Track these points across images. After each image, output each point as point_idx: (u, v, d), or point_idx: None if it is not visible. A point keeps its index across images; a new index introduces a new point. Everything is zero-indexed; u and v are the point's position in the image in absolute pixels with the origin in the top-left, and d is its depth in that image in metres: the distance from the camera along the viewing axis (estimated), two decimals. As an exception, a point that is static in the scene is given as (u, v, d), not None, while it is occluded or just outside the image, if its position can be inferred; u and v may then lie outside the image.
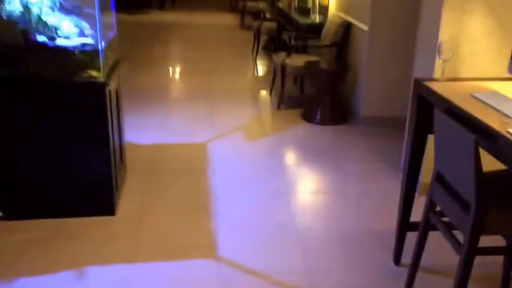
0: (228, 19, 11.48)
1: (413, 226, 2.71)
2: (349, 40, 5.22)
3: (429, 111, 2.45)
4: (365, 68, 4.77)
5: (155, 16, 11.83)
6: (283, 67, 5.24)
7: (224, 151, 4.37)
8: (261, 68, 7.35)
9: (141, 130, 4.76)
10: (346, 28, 5.17)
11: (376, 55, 4.70)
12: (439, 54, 2.64)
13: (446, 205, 2.25)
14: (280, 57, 5.41)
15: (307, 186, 3.83)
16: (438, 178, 2.31)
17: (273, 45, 7.80)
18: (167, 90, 6.12)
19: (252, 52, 7.91)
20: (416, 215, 2.76)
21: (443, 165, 2.28)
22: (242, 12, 10.24)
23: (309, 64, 5.11)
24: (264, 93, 5.98)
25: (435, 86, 2.52)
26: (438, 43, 2.86)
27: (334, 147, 4.47)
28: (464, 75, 3.24)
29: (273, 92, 5.88)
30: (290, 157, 4.33)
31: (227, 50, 8.34)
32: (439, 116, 2.24)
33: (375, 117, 4.86)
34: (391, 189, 3.71)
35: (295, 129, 4.86)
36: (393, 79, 4.75)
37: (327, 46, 5.29)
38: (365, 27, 4.74)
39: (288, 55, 5.25)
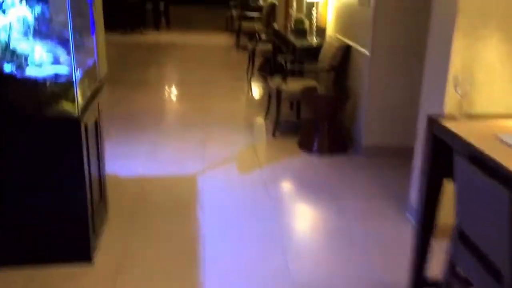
0: (224, 39, 11.18)
1: (430, 284, 2.33)
2: (348, 64, 4.87)
3: (446, 152, 2.08)
4: (366, 94, 4.41)
5: (150, 37, 11.54)
6: (279, 92, 4.88)
7: (215, 185, 3.98)
8: (256, 91, 7.00)
9: (129, 160, 4.39)
10: (345, 52, 4.82)
11: (377, 81, 4.35)
12: (456, 88, 2.28)
13: (471, 270, 1.87)
14: (275, 81, 5.06)
15: (305, 227, 3.44)
16: (461, 236, 1.94)
17: (268, 67, 7.46)
18: (159, 115, 5.75)
19: (247, 74, 7.57)
20: (432, 265, 2.38)
21: (466, 223, 1.90)
22: (238, 33, 9.93)
23: (305, 90, 4.75)
24: (259, 118, 5.62)
25: (454, 126, 2.16)
26: (454, 75, 2.50)
27: (334, 181, 4.09)
28: (480, 106, 2.88)
29: (268, 117, 5.52)
30: (286, 193, 3.95)
31: (222, 72, 8.00)
32: (461, 164, 1.87)
33: (378, 147, 4.49)
34: (400, 230, 3.32)
35: (291, 159, 4.49)
36: (397, 106, 4.40)
37: (325, 70, 4.94)
38: (366, 51, 4.39)
39: (284, 79, 4.90)
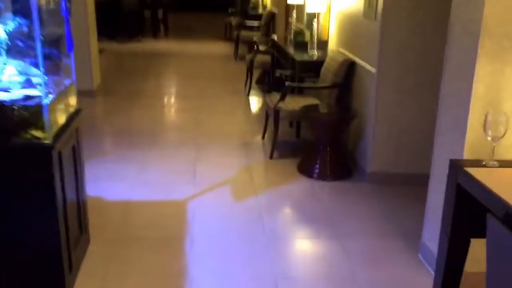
0: (222, 48, 10.76)
1: None
2: (352, 81, 4.44)
3: (473, 205, 1.66)
4: (372, 115, 3.99)
5: (148, 45, 11.14)
6: (276, 112, 4.45)
7: (206, 214, 3.56)
8: (254, 106, 6.58)
9: (116, 182, 4.01)
10: (349, 68, 4.40)
11: (385, 101, 3.92)
12: (486, 130, 1.86)
13: None
14: (273, 99, 4.64)
15: (303, 272, 3.00)
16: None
17: (267, 80, 7.05)
18: (151, 131, 5.31)
19: (245, 87, 7.15)
20: None
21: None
22: (236, 42, 9.51)
23: (306, 109, 4.33)
24: (256, 137, 5.19)
25: (484, 177, 1.73)
26: (485, 114, 2.06)
27: (337, 213, 3.66)
28: (509, 142, 2.45)
29: (266, 136, 5.09)
30: (283, 226, 3.51)
31: (219, 84, 7.58)
32: (493, 225, 1.45)
33: (385, 173, 4.06)
34: (411, 275, 2.89)
35: (290, 185, 4.06)
36: (406, 129, 3.97)
37: (327, 87, 4.52)
38: (372, 69, 3.97)
39: (283, 97, 4.47)
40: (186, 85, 7.62)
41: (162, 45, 11.23)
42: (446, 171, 2.18)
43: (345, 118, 4.21)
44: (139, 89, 7.04)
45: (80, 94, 6.44)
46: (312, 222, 3.53)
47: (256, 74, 7.27)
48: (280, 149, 4.76)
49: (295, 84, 4.63)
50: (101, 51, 9.62)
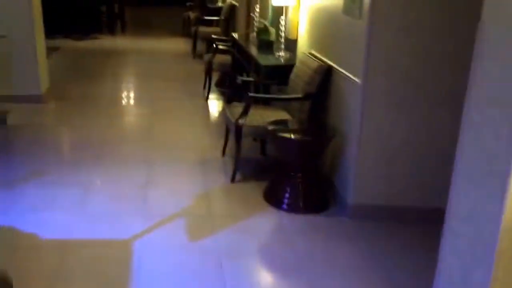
0: (180, 45, 9.72)
1: None
2: (330, 92, 3.56)
3: None
4: (355, 134, 3.12)
5: (105, 42, 9.96)
6: (239, 127, 3.53)
7: (155, 258, 2.74)
8: (213, 112, 5.63)
9: (53, 212, 3.18)
10: (325, 76, 3.51)
11: (372, 117, 3.06)
12: None
13: None
14: (234, 111, 3.71)
15: None
16: None
17: (227, 83, 6.11)
18: (98, 144, 4.31)
19: (204, 89, 6.18)
20: None
21: None
22: (194, 39, 8.50)
23: (272, 126, 3.42)
24: (215, 153, 4.25)
25: None
26: None
27: (311, 259, 2.79)
28: None
29: (226, 152, 4.17)
30: (247, 278, 2.62)
31: (177, 85, 6.57)
32: None
33: (371, 207, 3.20)
34: None
35: (255, 219, 3.17)
36: (398, 152, 3.12)
37: (298, 99, 3.62)
38: (355, 78, 3.10)
39: (245, 111, 3.54)
40: (142, 87, 6.60)
41: (119, 42, 10.09)
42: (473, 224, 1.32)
43: (322, 139, 3.33)
44: (92, 92, 5.99)
45: (26, 100, 5.46)
46: (282, 274, 2.66)
47: (216, 76, 6.32)
48: (243, 168, 3.85)
49: (259, 96, 3.68)
50: (55, 49, 8.47)
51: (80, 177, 3.69)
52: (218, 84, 6.39)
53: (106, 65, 7.73)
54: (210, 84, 6.03)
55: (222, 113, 4.86)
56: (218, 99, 6.02)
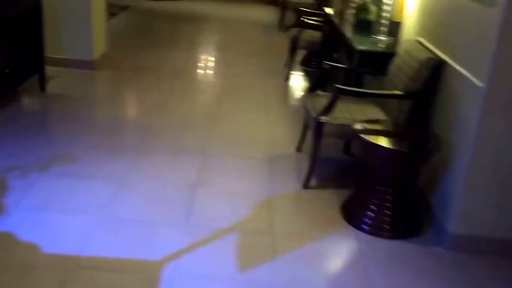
0: (267, 15, 9.28)
1: None
2: (438, 92, 2.99)
3: None
4: (468, 149, 2.56)
5: (183, 4, 9.73)
6: (319, 124, 3.07)
7: None
8: (292, 96, 5.18)
9: (70, 216, 2.70)
10: (435, 71, 2.94)
11: (493, 131, 2.49)
12: None
13: None
14: (316, 103, 3.24)
15: None
16: None
17: (313, 63, 5.62)
18: (147, 127, 3.98)
19: (285, 67, 5.74)
20: None
21: None
22: (282, 9, 8.03)
23: (362, 127, 2.93)
24: (288, 147, 3.82)
25: None
26: None
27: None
28: None
29: (302, 148, 3.73)
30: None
31: (255, 61, 6.17)
32: None
33: (479, 239, 2.65)
34: None
35: (327, 241, 2.71)
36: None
37: (397, 96, 3.08)
38: (475, 80, 2.53)
39: (330, 106, 3.06)
40: (214, 60, 6.25)
41: (199, 6, 9.81)
42: None
43: (422, 151, 2.79)
44: (155, 62, 5.69)
45: (76, 65, 5.16)
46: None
47: (301, 54, 5.86)
48: (320, 170, 3.39)
49: (349, 90, 3.17)
50: (124, 8, 8.32)
51: (114, 168, 3.26)
52: (303, 63, 5.92)
53: (178, 31, 7.43)
54: (293, 62, 5.57)
55: (302, 102, 4.41)
56: (300, 81, 5.55)
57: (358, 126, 2.92)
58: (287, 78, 5.52)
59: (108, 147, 3.57)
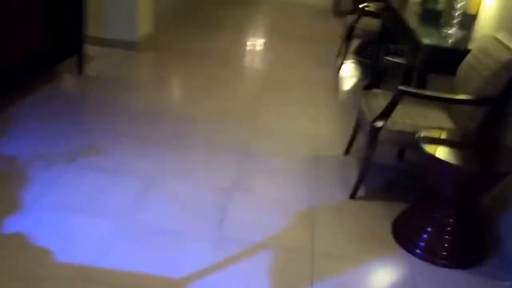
0: (322, -1, 8.81)
1: None
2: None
3: None
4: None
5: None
6: (375, 129, 2.69)
7: None
8: (343, 89, 4.78)
9: (89, 219, 2.45)
10: (517, 76, 2.52)
11: None
12: None
13: None
14: (372, 104, 2.86)
15: None
16: None
17: (370, 54, 5.19)
18: (184, 117, 3.70)
19: (338, 57, 5.33)
20: None
21: None
22: (339, -7, 7.57)
23: (424, 136, 2.53)
24: (336, 148, 3.45)
25: None
26: None
27: None
28: None
29: (351, 151, 3.36)
30: None
31: (304, 49, 5.78)
32: None
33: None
34: None
35: (373, 266, 2.37)
36: None
37: (469, 102, 2.66)
38: None
39: (389, 110, 2.67)
40: (262, 46, 5.90)
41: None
42: None
43: (495, 171, 2.38)
44: (200, 46, 5.38)
45: (118, 45, 4.91)
46: None
47: (356, 43, 5.43)
48: (369, 178, 3.02)
49: (416, 92, 2.74)
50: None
51: (145, 163, 3.00)
52: (357, 53, 5.50)
53: (228, 13, 7.09)
54: (346, 51, 5.16)
55: (355, 99, 4.00)
56: (353, 73, 5.14)
57: (420, 135, 2.53)
58: (339, 68, 5.12)
59: (141, 139, 3.31)
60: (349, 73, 5.12)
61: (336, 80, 4.92)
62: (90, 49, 4.55)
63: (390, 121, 2.68)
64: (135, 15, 4.75)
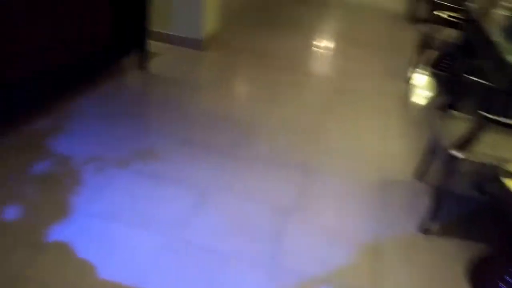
0: (396, 4, 8.42)
1: None
2: None
3: None
4: None
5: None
6: (451, 160, 2.41)
7: None
8: (414, 105, 4.45)
9: (137, 231, 2.34)
10: None
11: None
12: None
13: None
14: (449, 129, 2.58)
15: None
16: None
17: (445, 65, 4.84)
18: (241, 126, 3.50)
19: (409, 69, 5.00)
20: None
21: None
22: (414, -2, 7.18)
23: (508, 169, 2.23)
24: (405, 171, 3.17)
25: None
26: None
27: None
28: None
29: (423, 177, 3.07)
30: None
31: (375, 57, 5.47)
32: None
33: None
34: None
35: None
36: None
37: None
38: None
39: (470, 139, 2.38)
40: (328, 51, 5.64)
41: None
42: None
43: None
44: (268, 48, 5.18)
45: (182, 43, 4.77)
46: None
47: (431, 54, 5.07)
48: (443, 211, 2.74)
49: (504, 122, 2.44)
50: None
51: (200, 173, 2.85)
52: (432, 65, 5.14)
53: (297, 14, 6.84)
54: (419, 62, 4.82)
55: (429, 118, 3.67)
56: (426, 87, 4.80)
57: (502, 168, 2.23)
58: (410, 80, 4.80)
59: (199, 145, 3.16)
60: (422, 87, 4.79)
61: (407, 92, 4.61)
62: (154, 45, 4.47)
63: (469, 155, 2.39)
64: (201, 12, 4.61)
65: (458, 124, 2.61)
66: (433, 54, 5.15)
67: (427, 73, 5.07)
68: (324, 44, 5.87)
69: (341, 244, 2.44)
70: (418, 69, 4.85)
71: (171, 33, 4.71)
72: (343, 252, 2.39)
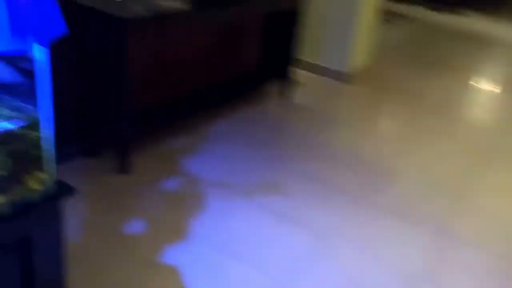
0: None
1: None
2: None
3: None
4: None
5: (469, 22, 8.42)
6: None
7: None
8: None
9: (248, 270, 2.25)
10: None
11: None
12: None
13: None
14: None
15: None
16: None
17: None
18: (380, 171, 3.25)
19: None
20: None
21: None
22: None
23: None
24: None
25: None
26: None
27: None
28: None
29: None
30: None
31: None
32: None
33: None
34: None
35: None
36: None
37: None
38: None
39: None
40: (489, 97, 5.11)
41: (490, 25, 8.37)
42: None
43: None
44: (419, 88, 4.75)
45: (325, 73, 4.59)
46: None
47: None
48: None
49: None
50: (401, 15, 7.59)
51: (323, 215, 2.68)
52: None
53: (455, 52, 6.30)
54: None
55: None
56: None
57: None
58: None
59: (326, 185, 3.00)
60: None
61: None
62: (301, 74, 4.41)
63: None
64: (351, 45, 4.46)
65: None
66: None
67: None
68: (483, 87, 5.34)
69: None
70: None
71: (319, 63, 4.63)
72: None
